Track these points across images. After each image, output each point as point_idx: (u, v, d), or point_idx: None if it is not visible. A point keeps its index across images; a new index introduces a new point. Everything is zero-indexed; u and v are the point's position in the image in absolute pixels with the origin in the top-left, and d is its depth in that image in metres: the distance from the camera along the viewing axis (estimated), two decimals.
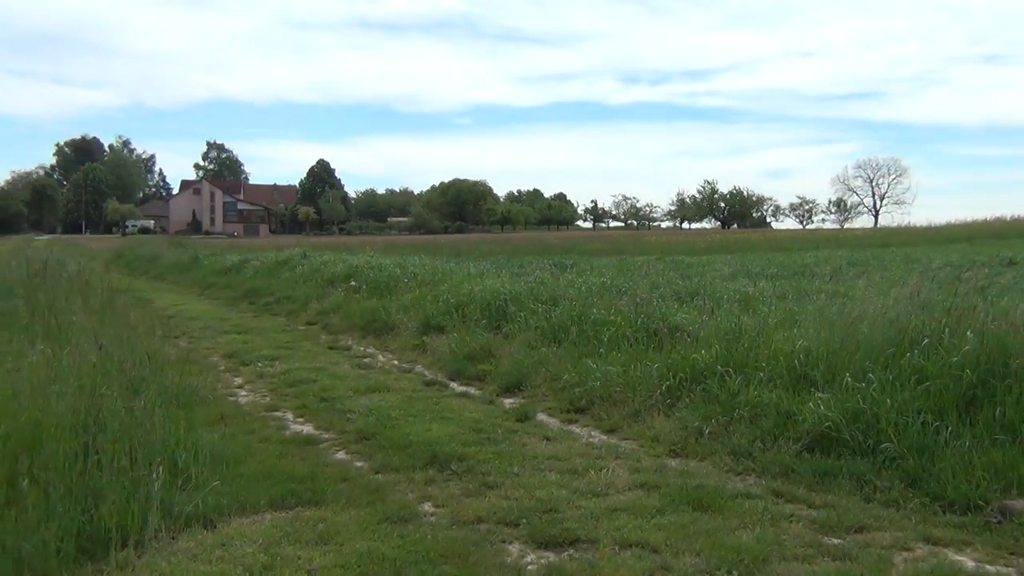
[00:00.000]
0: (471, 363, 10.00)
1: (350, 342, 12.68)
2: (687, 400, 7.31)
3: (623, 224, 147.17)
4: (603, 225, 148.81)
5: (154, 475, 4.77)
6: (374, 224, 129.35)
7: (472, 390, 9.10)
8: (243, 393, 8.92)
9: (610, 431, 7.30)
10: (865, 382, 6.30)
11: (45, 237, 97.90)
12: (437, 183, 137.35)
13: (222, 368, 10.41)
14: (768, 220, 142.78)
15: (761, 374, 7.10)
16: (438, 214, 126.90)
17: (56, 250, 53.28)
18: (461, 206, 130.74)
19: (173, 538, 4.72)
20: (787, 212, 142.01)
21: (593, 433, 7.29)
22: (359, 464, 6.24)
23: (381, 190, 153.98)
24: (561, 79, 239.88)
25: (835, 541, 4.70)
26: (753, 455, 6.09)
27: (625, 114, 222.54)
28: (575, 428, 7.48)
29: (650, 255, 33.97)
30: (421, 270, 16.31)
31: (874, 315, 7.45)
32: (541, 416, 7.83)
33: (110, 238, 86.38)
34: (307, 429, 7.28)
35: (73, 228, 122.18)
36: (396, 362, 10.99)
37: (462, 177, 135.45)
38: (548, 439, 6.90)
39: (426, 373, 10.13)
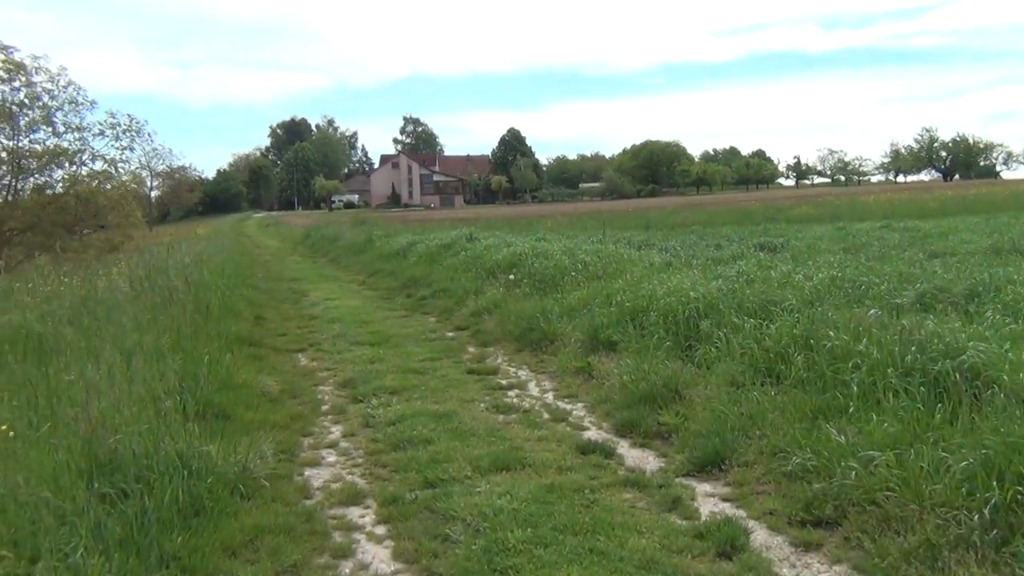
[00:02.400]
0: (650, 409, 7.05)
1: (499, 360, 10.06)
2: None
3: (829, 180, 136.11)
4: (807, 182, 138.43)
5: None
6: (566, 191, 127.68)
7: (649, 462, 6.16)
8: (327, 462, 6.46)
9: None
10: None
11: (261, 214, 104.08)
12: (628, 146, 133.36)
13: (325, 407, 8.07)
14: (998, 169, 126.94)
15: None
16: (630, 178, 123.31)
17: (253, 232, 55.06)
18: (654, 168, 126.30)
19: None
20: (1020, 159, 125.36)
21: None
22: None
23: (572, 156, 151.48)
24: (756, 29, 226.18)
25: None
26: None
27: (827, 62, 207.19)
28: (819, 571, 4.39)
29: (872, 221, 29.07)
30: (593, 259, 13.40)
31: None
32: (759, 535, 4.80)
33: (316, 213, 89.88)
34: (377, 564, 4.65)
35: (287, 204, 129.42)
36: (550, 397, 8.22)
37: (654, 139, 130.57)
38: None
39: (586, 422, 7.29)
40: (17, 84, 31.19)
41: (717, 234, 24.26)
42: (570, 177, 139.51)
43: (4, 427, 4.77)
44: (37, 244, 32.80)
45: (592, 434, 6.87)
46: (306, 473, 6.15)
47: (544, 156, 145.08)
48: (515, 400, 8.11)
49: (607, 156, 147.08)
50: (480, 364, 9.81)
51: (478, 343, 11.14)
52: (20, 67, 30.98)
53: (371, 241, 27.47)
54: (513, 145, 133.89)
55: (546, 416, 7.51)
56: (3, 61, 30.61)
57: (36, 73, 31.36)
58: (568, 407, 7.78)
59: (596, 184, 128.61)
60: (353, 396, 8.40)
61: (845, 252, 15.21)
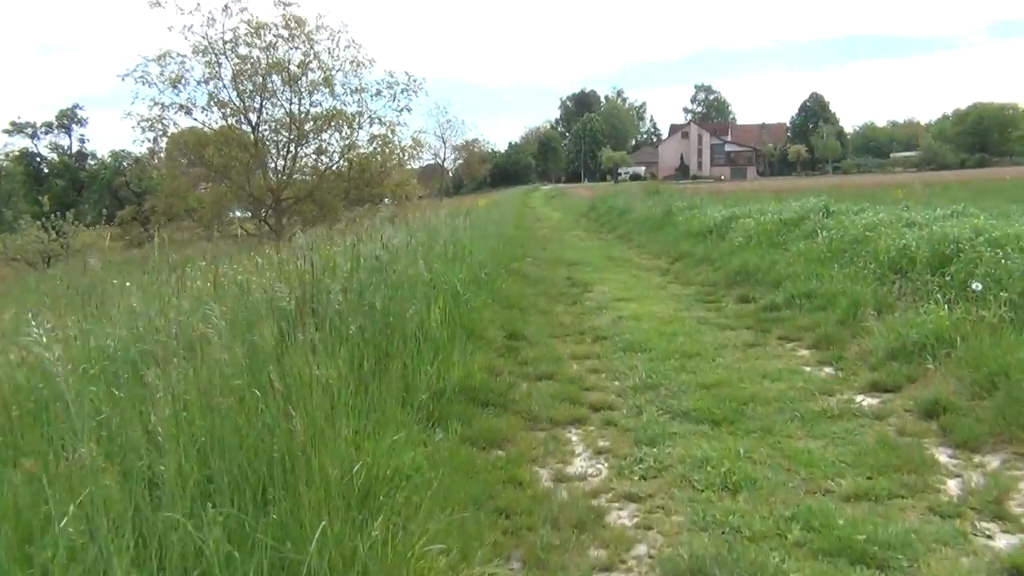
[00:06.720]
0: None
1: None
2: None
3: None
4: None
5: None
6: (873, 161, 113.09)
7: None
8: None
9: None
10: None
11: (548, 186, 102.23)
12: (950, 111, 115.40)
13: None
14: None
15: None
16: (952, 146, 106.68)
17: (536, 203, 51.51)
18: (983, 135, 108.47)
19: None
20: None
21: None
22: None
23: (881, 123, 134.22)
24: None
25: None
26: None
27: None
28: None
29: None
30: None
31: None
32: None
33: (602, 186, 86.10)
34: None
35: (573, 177, 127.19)
36: None
37: (982, 101, 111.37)
38: None
39: None
40: (297, 43, 29.20)
41: None
42: (878, 145, 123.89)
43: None
44: (311, 215, 30.87)
45: None
46: None
47: (849, 124, 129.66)
48: None
49: (923, 122, 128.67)
50: (1014, 531, 3.92)
51: (947, 437, 5.18)
52: (301, 23, 28.94)
53: (671, 214, 21.79)
54: (815, 111, 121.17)
55: None
56: (283, 16, 28.69)
57: (318, 31, 29.24)
58: None
59: (911, 153, 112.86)
60: None
61: None
